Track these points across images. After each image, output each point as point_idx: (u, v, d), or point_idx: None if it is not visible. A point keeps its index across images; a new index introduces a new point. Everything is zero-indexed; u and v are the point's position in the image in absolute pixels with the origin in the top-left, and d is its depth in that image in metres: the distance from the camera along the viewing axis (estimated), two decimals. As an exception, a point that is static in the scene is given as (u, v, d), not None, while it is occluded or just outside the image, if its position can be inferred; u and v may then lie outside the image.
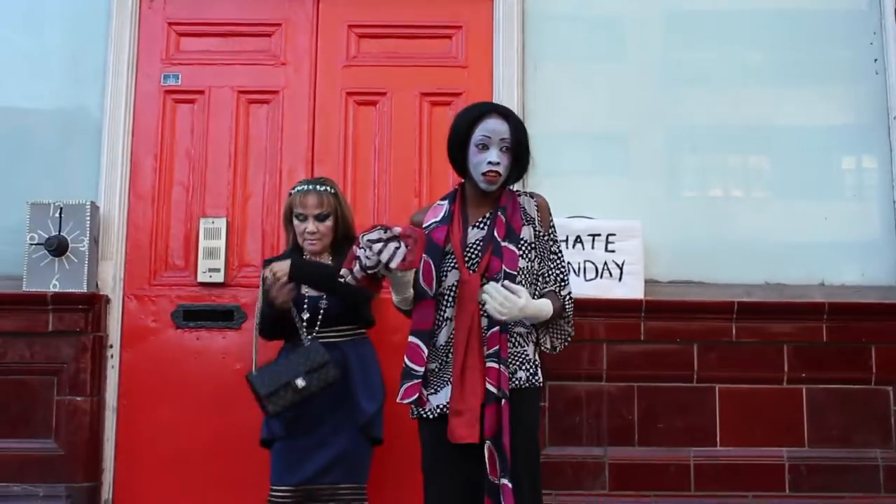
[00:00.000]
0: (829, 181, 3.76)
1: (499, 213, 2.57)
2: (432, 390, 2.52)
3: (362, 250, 2.42)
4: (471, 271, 2.53)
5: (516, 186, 2.73)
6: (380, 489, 3.27)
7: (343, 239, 3.13)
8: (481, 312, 2.48)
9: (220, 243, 3.62)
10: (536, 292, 2.57)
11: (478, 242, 2.56)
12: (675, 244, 3.64)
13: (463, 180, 2.67)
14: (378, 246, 2.40)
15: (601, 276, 3.49)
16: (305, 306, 3.04)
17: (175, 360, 3.57)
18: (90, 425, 3.44)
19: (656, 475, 3.40)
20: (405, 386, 2.52)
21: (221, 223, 3.63)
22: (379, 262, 2.40)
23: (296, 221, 3.13)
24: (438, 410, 2.49)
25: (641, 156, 3.74)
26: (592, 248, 3.51)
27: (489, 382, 2.43)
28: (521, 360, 2.52)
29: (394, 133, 3.73)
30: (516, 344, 2.52)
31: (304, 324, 3.03)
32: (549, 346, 2.62)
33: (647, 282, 3.52)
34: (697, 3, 3.84)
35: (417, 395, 2.50)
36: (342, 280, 2.47)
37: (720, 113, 3.75)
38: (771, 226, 3.67)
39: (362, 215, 3.54)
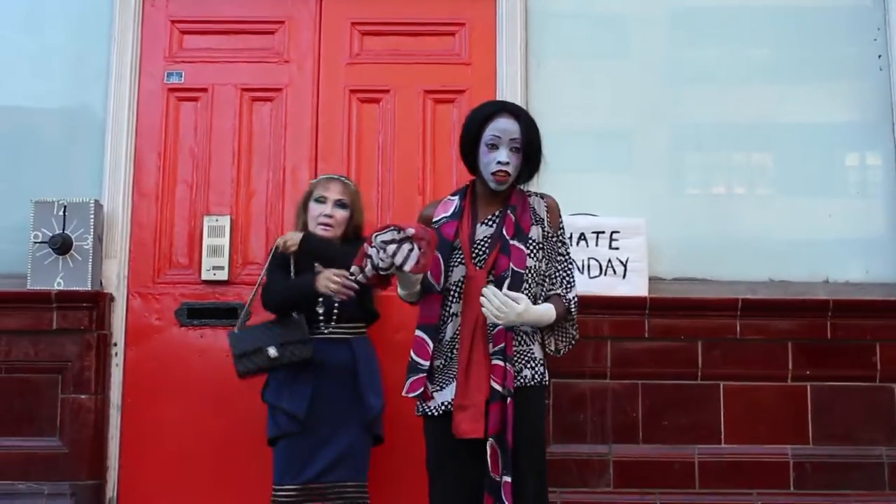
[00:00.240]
0: (833, 178, 3.75)
1: (508, 211, 2.57)
2: (437, 387, 2.52)
3: (374, 250, 2.40)
4: (477, 268, 2.53)
5: (529, 185, 2.72)
6: (380, 488, 3.26)
7: (353, 237, 3.12)
8: (485, 310, 2.48)
9: (224, 241, 3.61)
10: (542, 293, 2.57)
11: (486, 239, 2.56)
12: (679, 241, 3.64)
13: (474, 177, 2.67)
14: (392, 248, 2.38)
15: (605, 274, 3.49)
16: (321, 300, 3.04)
17: (179, 357, 3.57)
18: (95, 423, 3.44)
19: (661, 473, 3.39)
20: (411, 379, 2.52)
21: (225, 221, 3.63)
22: (392, 263, 2.39)
23: (313, 204, 3.14)
24: (443, 407, 2.49)
25: (645, 153, 3.74)
26: (596, 245, 3.50)
27: (494, 380, 2.42)
28: (526, 358, 2.52)
29: (397, 130, 3.72)
30: (522, 342, 2.52)
31: (321, 317, 3.04)
32: (553, 348, 2.63)
33: (651, 279, 3.51)
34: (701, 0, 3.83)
35: (423, 388, 2.50)
36: (352, 277, 2.47)
37: (724, 110, 3.74)
38: (775, 223, 3.67)
39: (366, 212, 3.49)
